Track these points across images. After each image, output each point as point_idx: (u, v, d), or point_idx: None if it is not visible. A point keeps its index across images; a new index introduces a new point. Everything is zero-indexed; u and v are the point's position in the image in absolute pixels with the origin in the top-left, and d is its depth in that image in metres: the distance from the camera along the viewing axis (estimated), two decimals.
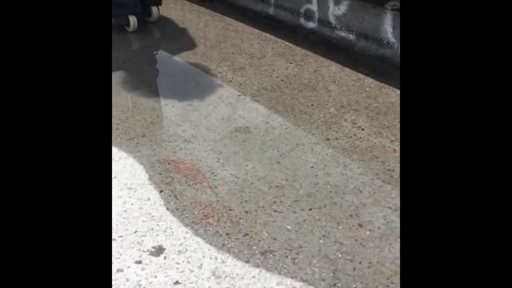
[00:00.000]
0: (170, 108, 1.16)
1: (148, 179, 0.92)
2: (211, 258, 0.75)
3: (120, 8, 1.53)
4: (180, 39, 1.56)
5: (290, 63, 1.39)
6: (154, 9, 1.65)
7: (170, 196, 0.88)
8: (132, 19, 1.55)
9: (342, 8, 1.43)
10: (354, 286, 0.71)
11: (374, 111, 1.14)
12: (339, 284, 0.71)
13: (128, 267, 0.73)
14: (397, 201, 0.87)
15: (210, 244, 0.78)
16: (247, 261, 0.75)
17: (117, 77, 1.30)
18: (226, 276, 0.72)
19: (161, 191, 0.89)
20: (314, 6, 1.52)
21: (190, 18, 1.72)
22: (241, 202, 0.87)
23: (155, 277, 0.72)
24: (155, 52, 1.48)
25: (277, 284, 0.71)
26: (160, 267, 0.74)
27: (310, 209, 0.86)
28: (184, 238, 0.79)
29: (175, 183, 0.91)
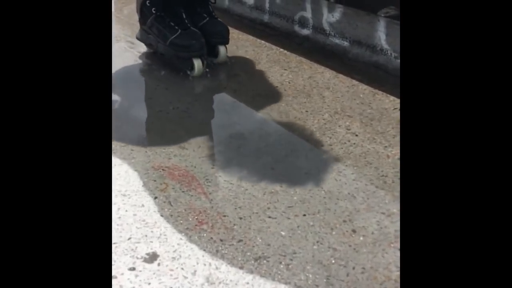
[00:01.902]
0: (164, 114, 1.17)
1: (143, 186, 0.92)
2: (205, 265, 0.75)
3: (183, 51, 1.31)
4: None
5: (285, 69, 1.40)
6: (221, 49, 1.40)
7: (164, 202, 0.88)
8: (197, 63, 1.32)
9: (336, 15, 1.45)
10: None
11: (368, 117, 1.14)
12: None
13: (122, 274, 0.73)
14: (390, 207, 0.87)
15: (204, 250, 0.78)
16: (241, 267, 0.75)
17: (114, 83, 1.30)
18: (220, 283, 0.72)
19: (155, 198, 0.89)
20: (308, 14, 1.53)
21: None
22: (235, 208, 0.87)
23: (149, 284, 0.72)
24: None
25: None
26: (154, 273, 0.73)
27: (304, 215, 0.86)
28: (178, 244, 0.79)
29: (170, 189, 0.91)
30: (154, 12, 1.35)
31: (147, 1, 1.36)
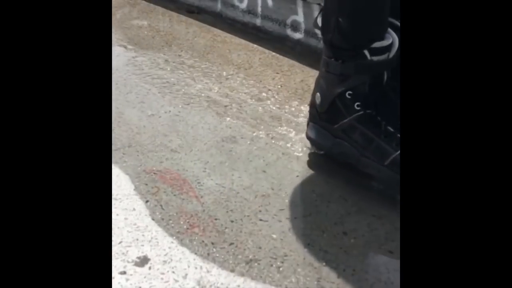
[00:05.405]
0: (156, 118, 1.17)
1: (134, 190, 0.92)
2: (196, 268, 0.75)
3: None
4: (168, 50, 1.57)
5: (277, 73, 1.40)
6: None
7: (156, 206, 0.88)
8: None
9: None
10: None
11: None
12: None
13: (113, 277, 0.73)
14: (381, 209, 0.88)
15: (195, 253, 0.78)
16: (232, 270, 0.75)
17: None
18: (211, 286, 0.72)
19: (146, 201, 0.89)
20: (300, 18, 1.54)
21: (178, 29, 1.73)
22: (227, 212, 0.87)
23: (140, 287, 0.72)
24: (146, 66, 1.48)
25: None
26: (145, 277, 0.73)
27: (296, 218, 0.86)
28: (169, 248, 0.79)
29: (161, 193, 0.91)
30: (358, 108, 0.87)
31: (347, 92, 0.87)
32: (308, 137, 0.98)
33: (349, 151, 0.89)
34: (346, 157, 0.91)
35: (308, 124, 0.97)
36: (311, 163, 1.00)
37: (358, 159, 0.88)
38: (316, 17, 0.90)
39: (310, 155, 1.03)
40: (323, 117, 0.92)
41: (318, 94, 0.92)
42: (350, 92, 0.87)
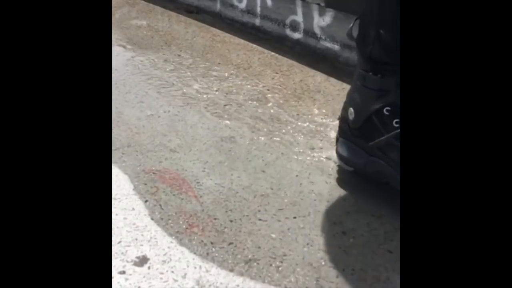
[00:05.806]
0: (156, 118, 1.17)
1: (133, 189, 0.92)
2: (195, 268, 0.75)
3: None
4: (167, 50, 1.57)
5: (276, 73, 1.40)
6: None
7: (155, 206, 0.88)
8: None
9: (327, 19, 1.46)
10: None
11: None
12: None
13: (112, 277, 0.73)
14: (380, 209, 0.88)
15: (195, 253, 0.78)
16: (231, 270, 0.75)
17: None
18: (210, 285, 0.72)
19: (146, 201, 0.89)
20: (299, 18, 1.55)
21: (177, 29, 1.73)
22: (226, 211, 0.87)
23: (139, 287, 0.72)
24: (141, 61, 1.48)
25: None
26: (144, 277, 0.73)
27: (295, 217, 0.86)
28: (169, 247, 0.79)
29: (160, 193, 0.91)
30: (396, 125, 0.81)
31: (386, 108, 0.82)
32: (339, 154, 0.92)
33: (385, 170, 0.83)
34: (381, 176, 0.85)
35: (337, 140, 0.92)
36: (310, 163, 1.01)
37: (397, 180, 0.81)
38: (351, 27, 0.84)
39: (309, 155, 1.03)
40: (355, 133, 0.87)
41: (351, 109, 0.87)
42: (388, 108, 0.82)
